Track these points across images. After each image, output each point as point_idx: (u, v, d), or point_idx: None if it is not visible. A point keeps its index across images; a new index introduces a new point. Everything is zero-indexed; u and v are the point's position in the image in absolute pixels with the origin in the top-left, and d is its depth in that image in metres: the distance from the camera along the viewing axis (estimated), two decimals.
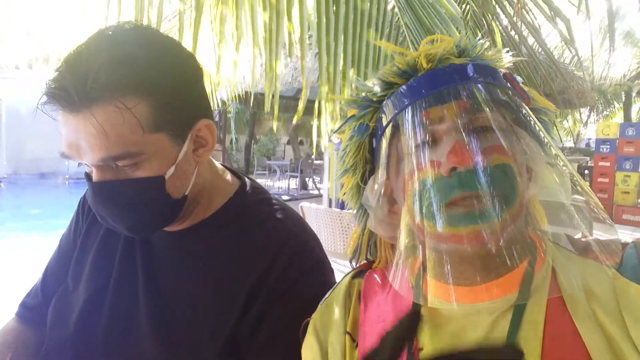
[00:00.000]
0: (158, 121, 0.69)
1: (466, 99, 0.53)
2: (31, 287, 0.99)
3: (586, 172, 11.78)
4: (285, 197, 9.67)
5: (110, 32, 0.69)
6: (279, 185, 12.70)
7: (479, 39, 0.59)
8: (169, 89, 0.70)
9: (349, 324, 0.65)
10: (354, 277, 0.71)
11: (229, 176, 0.90)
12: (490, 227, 0.50)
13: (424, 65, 0.57)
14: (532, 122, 0.56)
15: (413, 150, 0.54)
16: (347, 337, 0.64)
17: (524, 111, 0.56)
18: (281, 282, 0.75)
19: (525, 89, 0.59)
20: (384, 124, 0.60)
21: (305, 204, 3.68)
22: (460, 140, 0.51)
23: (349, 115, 0.68)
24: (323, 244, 0.88)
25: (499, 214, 0.50)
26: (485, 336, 0.53)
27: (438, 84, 0.55)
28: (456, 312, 0.56)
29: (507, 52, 0.62)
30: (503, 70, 0.58)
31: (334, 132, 0.71)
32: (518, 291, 0.54)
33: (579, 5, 1.86)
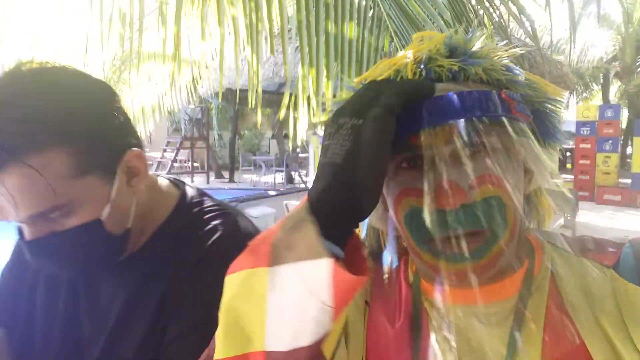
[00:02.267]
0: (81, 167, 0.66)
1: (457, 133, 0.50)
2: None
3: (568, 154, 11.97)
4: (272, 192, 9.64)
5: (7, 83, 0.65)
6: (265, 180, 12.67)
7: (472, 36, 0.56)
8: (84, 133, 0.66)
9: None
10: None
11: (170, 189, 0.88)
12: (479, 264, 0.50)
13: (409, 77, 0.54)
14: (529, 136, 0.53)
15: (399, 173, 0.53)
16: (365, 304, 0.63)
17: (513, 133, 0.52)
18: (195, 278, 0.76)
19: (533, 79, 0.56)
20: None
21: (291, 202, 3.68)
22: (446, 178, 0.49)
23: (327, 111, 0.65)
24: None
25: (488, 252, 0.50)
26: (486, 340, 0.53)
27: (432, 117, 0.50)
28: (455, 314, 0.55)
29: (499, 43, 0.59)
30: (499, 91, 0.52)
31: (319, 125, 0.68)
32: (518, 294, 0.54)
33: None
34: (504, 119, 0.51)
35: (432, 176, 0.50)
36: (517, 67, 0.56)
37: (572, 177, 9.96)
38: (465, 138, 0.50)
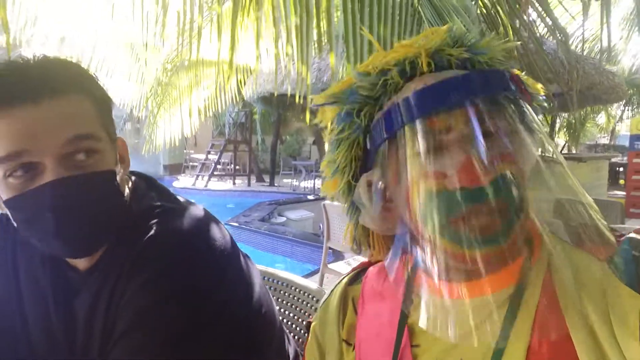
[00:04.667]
0: (100, 120, 0.74)
1: (473, 111, 0.51)
2: None
3: (620, 169, 11.38)
4: (310, 197, 9.72)
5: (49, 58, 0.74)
6: (304, 185, 12.77)
7: (475, 29, 0.60)
8: (105, 97, 0.77)
9: (344, 331, 0.68)
10: (350, 282, 0.73)
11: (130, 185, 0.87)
12: (499, 250, 0.50)
13: (424, 68, 0.56)
14: (536, 126, 0.55)
15: (417, 158, 0.53)
16: (343, 343, 0.67)
17: (527, 113, 0.55)
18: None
19: (517, 72, 0.57)
20: (385, 130, 0.58)
21: (328, 202, 3.71)
22: (469, 156, 0.50)
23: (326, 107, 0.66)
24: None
25: (505, 235, 0.50)
26: (479, 331, 0.52)
27: (447, 97, 0.52)
28: (452, 307, 0.55)
29: (525, 48, 0.62)
30: (509, 71, 0.56)
31: (324, 125, 0.69)
32: (515, 284, 0.54)
33: None
34: (515, 98, 0.54)
35: (456, 156, 0.51)
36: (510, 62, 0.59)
37: (625, 193, 9.47)
38: (485, 116, 0.51)
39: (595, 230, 0.53)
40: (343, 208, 0.69)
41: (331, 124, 0.65)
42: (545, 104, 0.60)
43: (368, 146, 0.62)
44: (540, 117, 0.60)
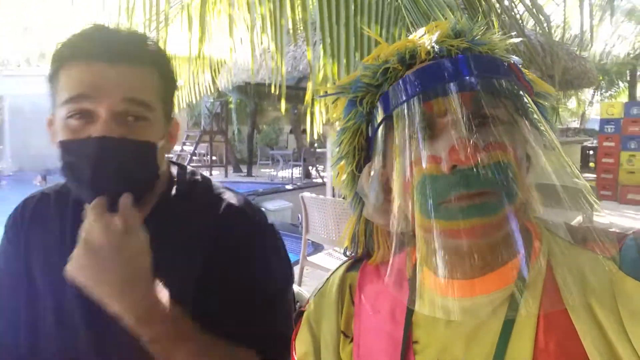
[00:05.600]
0: (161, 93, 0.82)
1: (468, 94, 0.52)
2: None
3: (590, 152, 11.71)
4: (289, 187, 9.68)
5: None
6: (282, 175, 12.73)
7: (476, 23, 0.58)
8: (172, 79, 0.86)
9: (342, 321, 0.66)
10: (348, 269, 0.71)
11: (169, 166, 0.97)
12: (490, 221, 0.49)
13: (422, 55, 0.56)
14: (533, 113, 0.55)
15: (411, 142, 0.53)
16: (341, 335, 0.65)
17: (525, 101, 0.55)
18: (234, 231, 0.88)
19: (525, 72, 0.58)
20: (382, 112, 0.59)
21: (306, 194, 3.66)
22: (461, 136, 0.50)
23: (332, 102, 0.67)
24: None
25: (499, 209, 0.49)
26: (480, 329, 0.53)
27: (442, 77, 0.53)
28: (452, 305, 0.55)
29: (506, 34, 0.61)
30: (507, 60, 0.57)
31: (335, 120, 0.69)
32: (514, 284, 0.53)
33: None
34: (511, 83, 0.54)
35: (449, 138, 0.51)
36: (517, 59, 0.59)
37: (595, 176, 9.75)
38: (479, 98, 0.51)
39: (596, 229, 0.53)
40: (347, 201, 0.69)
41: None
42: (549, 101, 0.60)
43: (370, 133, 0.63)
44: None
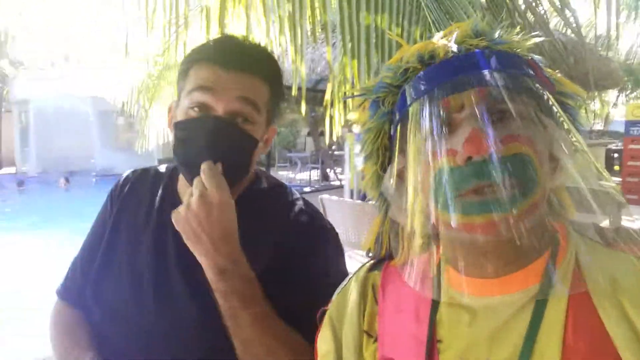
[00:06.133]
0: (268, 105, 0.93)
1: (485, 88, 0.52)
2: (67, 272, 1.08)
3: (615, 155, 11.43)
4: (307, 189, 9.69)
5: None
6: (300, 177, 12.74)
7: (499, 23, 0.59)
8: (281, 93, 0.97)
9: (365, 321, 0.66)
10: (370, 269, 0.71)
11: None
12: (505, 216, 0.48)
13: (441, 55, 0.57)
14: (555, 110, 0.54)
15: (429, 138, 0.53)
16: (364, 334, 0.65)
17: (545, 98, 0.54)
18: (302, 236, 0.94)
19: (550, 72, 0.57)
20: (398, 106, 0.60)
21: (325, 196, 3.66)
22: (476, 128, 0.50)
23: (359, 105, 0.68)
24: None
25: (515, 203, 0.48)
26: (504, 329, 0.53)
27: (457, 71, 0.54)
28: (476, 305, 0.56)
29: (530, 34, 0.59)
30: (526, 57, 0.57)
31: (354, 122, 0.69)
32: (539, 283, 0.53)
33: None
34: (530, 78, 0.53)
35: (465, 131, 0.51)
36: (539, 57, 0.58)
37: (620, 179, 9.50)
38: (497, 93, 0.51)
39: (626, 230, 0.53)
40: (373, 202, 0.70)
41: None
42: (577, 101, 0.58)
43: (392, 132, 0.64)
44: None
